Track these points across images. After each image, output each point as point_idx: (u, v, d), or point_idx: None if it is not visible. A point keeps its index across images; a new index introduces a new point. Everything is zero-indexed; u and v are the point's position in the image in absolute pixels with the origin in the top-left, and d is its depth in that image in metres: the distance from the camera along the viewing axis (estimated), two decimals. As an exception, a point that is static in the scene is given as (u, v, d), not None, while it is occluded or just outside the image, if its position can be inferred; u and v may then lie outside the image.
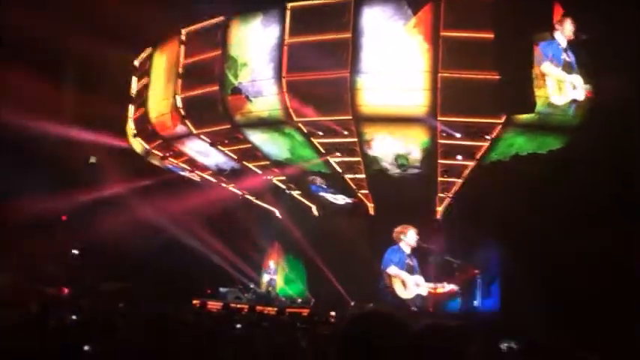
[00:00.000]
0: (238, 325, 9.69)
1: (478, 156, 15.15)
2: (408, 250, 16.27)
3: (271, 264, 20.33)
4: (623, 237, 13.47)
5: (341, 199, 18.01)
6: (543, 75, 13.64)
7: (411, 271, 16.23)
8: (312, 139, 15.41)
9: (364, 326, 1.63)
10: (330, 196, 17.77)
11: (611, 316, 12.29)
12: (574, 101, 13.82)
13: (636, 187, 13.48)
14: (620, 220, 13.77)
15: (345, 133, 14.91)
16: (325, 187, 16.87)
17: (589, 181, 13.77)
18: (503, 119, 13.64)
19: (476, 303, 16.94)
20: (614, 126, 13.20)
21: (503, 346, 7.05)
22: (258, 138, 16.15)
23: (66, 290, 13.09)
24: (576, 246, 14.09)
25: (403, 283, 16.27)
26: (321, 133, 15.21)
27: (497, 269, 18.04)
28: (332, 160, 16.25)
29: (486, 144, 14.66)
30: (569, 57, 13.94)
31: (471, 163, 15.51)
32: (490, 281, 17.68)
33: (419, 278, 16.30)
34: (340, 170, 16.72)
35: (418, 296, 16.37)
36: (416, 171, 16.25)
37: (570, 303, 13.85)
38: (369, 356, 1.53)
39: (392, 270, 15.73)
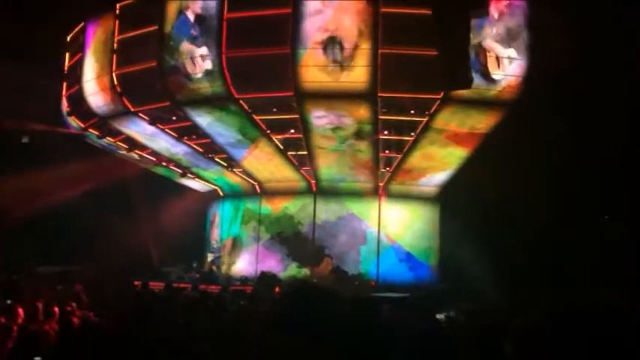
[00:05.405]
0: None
1: (417, 131, 15.40)
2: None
3: (215, 243, 20.17)
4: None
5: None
6: (484, 50, 13.92)
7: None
8: (255, 117, 15.25)
9: (290, 300, 1.65)
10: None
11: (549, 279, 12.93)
12: (508, 75, 14.16)
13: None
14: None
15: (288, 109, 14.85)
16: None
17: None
18: (441, 95, 13.87)
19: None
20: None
21: (441, 316, 7.04)
22: (205, 119, 15.86)
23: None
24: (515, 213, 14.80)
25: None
26: (263, 110, 15.08)
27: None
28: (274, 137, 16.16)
29: (425, 119, 14.92)
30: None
31: (410, 138, 15.76)
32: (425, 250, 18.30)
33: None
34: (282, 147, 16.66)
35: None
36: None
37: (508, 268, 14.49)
38: (298, 328, 1.56)
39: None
